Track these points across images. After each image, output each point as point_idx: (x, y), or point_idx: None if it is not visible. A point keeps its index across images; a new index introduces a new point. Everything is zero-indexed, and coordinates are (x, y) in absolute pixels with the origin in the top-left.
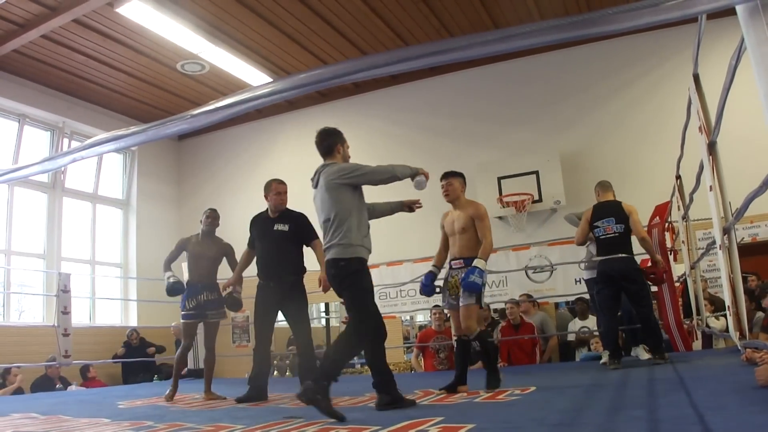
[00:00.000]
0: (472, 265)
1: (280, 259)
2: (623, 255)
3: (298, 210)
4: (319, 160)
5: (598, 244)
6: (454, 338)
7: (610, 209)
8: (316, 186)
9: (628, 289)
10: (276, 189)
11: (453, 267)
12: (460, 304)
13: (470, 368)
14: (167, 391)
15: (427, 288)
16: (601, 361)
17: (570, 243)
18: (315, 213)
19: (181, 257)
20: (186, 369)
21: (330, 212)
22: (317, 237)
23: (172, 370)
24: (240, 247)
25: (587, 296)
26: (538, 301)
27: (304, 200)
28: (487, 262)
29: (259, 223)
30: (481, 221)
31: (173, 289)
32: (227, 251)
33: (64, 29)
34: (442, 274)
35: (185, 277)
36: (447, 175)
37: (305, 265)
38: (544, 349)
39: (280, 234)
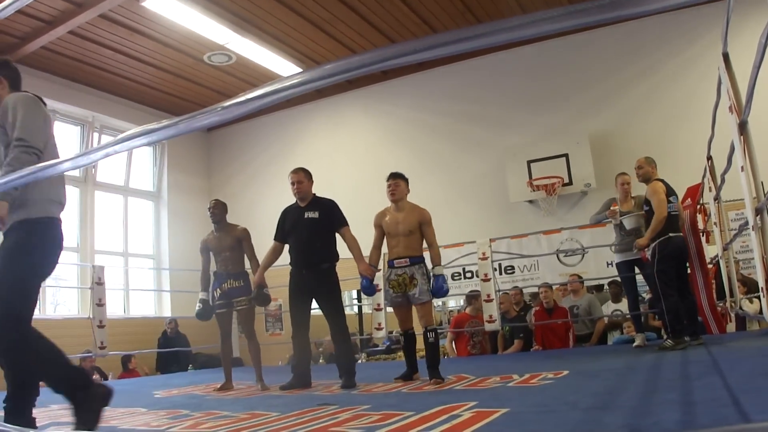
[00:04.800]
0: (437, 274)
1: (312, 247)
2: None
3: (327, 197)
4: (350, 152)
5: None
6: (399, 333)
7: (671, 187)
8: None
9: (683, 268)
10: (291, 179)
11: (396, 266)
12: (420, 301)
13: (506, 352)
14: (219, 385)
15: (369, 289)
16: (635, 344)
17: (601, 226)
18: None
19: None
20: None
21: None
22: (346, 224)
23: (209, 360)
24: (270, 240)
25: (619, 279)
26: (569, 285)
27: (333, 185)
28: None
29: (291, 213)
30: (430, 227)
31: (201, 315)
32: (243, 236)
33: (90, 24)
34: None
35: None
36: (394, 176)
37: (338, 251)
38: (584, 333)
39: (310, 222)
